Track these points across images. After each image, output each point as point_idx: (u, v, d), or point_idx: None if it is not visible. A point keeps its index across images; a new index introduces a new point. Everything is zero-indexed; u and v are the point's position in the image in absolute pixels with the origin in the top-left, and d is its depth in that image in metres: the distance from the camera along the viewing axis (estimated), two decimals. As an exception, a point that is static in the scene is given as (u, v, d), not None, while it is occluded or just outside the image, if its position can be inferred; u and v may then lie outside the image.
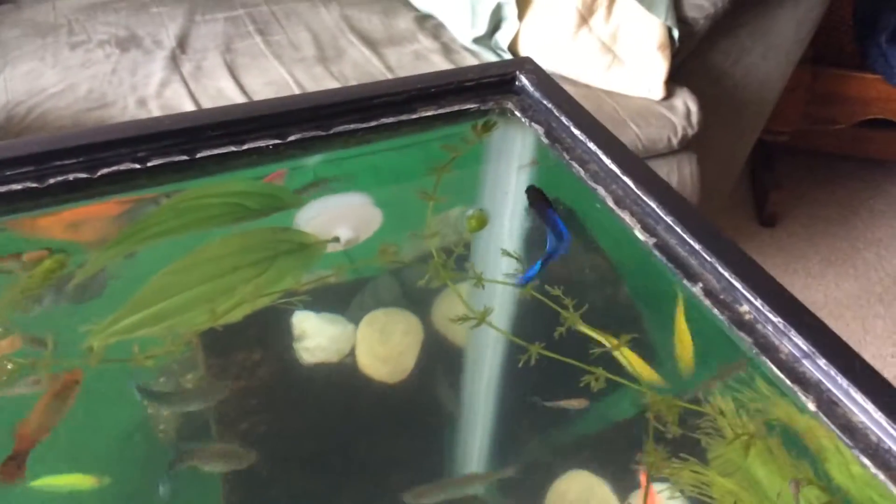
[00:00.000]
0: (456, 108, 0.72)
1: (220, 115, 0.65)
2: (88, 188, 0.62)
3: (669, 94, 1.27)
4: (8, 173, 0.60)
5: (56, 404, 0.58)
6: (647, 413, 0.56)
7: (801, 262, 1.71)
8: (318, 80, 1.26)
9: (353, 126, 0.69)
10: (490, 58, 1.32)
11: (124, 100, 1.20)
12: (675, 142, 1.26)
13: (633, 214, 0.63)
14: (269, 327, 0.67)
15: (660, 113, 1.26)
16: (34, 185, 0.60)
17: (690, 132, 1.27)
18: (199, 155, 0.64)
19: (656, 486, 0.55)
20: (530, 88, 0.74)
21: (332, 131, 0.68)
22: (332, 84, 1.24)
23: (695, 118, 1.27)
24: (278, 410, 0.63)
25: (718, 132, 1.38)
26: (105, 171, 0.61)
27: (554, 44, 1.27)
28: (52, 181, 0.61)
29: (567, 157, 0.68)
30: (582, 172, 0.67)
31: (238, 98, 1.20)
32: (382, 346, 0.67)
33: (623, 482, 0.58)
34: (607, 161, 0.66)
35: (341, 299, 0.70)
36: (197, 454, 0.59)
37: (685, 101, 1.27)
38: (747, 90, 1.40)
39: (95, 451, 0.58)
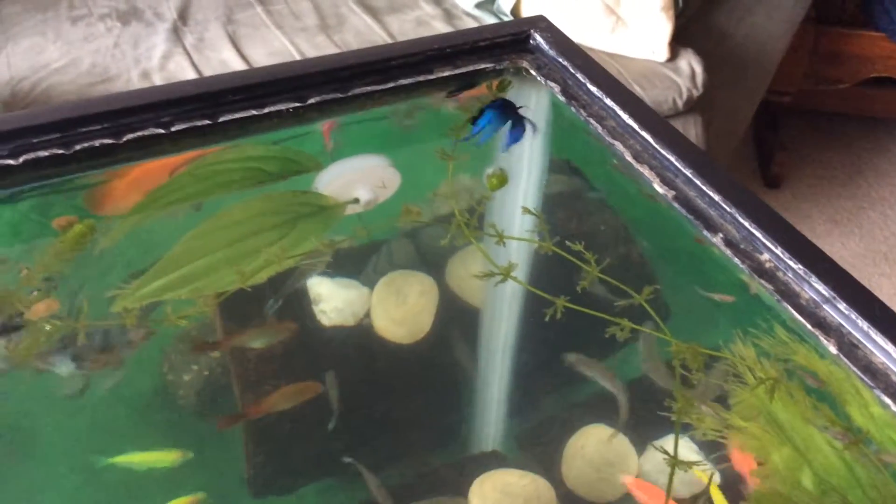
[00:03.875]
0: (472, 68, 0.73)
1: (241, 80, 0.65)
2: (114, 154, 0.62)
3: (674, 55, 1.27)
4: (34, 141, 0.60)
5: (293, 396, 0.63)
6: (673, 360, 0.57)
7: (806, 222, 1.72)
8: (321, 50, 1.25)
9: (370, 88, 0.69)
10: (492, 23, 1.31)
11: (128, 73, 1.20)
12: (680, 104, 1.26)
13: (651, 168, 0.64)
14: (286, 292, 0.67)
15: (664, 75, 1.26)
16: (61, 151, 0.61)
17: (695, 93, 1.27)
18: (221, 119, 0.65)
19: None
20: (545, 47, 0.74)
21: (350, 93, 0.69)
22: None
23: (699, 79, 1.27)
24: (298, 372, 0.64)
25: (722, 93, 1.38)
26: (130, 136, 0.62)
27: (557, 7, 1.27)
28: (78, 147, 0.61)
29: (584, 115, 0.69)
30: (599, 129, 0.67)
31: (241, 68, 1.20)
32: (398, 308, 0.67)
33: (641, 435, 0.60)
34: (625, 116, 0.66)
35: (358, 262, 0.71)
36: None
37: (689, 63, 1.27)
38: (751, 50, 1.40)
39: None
